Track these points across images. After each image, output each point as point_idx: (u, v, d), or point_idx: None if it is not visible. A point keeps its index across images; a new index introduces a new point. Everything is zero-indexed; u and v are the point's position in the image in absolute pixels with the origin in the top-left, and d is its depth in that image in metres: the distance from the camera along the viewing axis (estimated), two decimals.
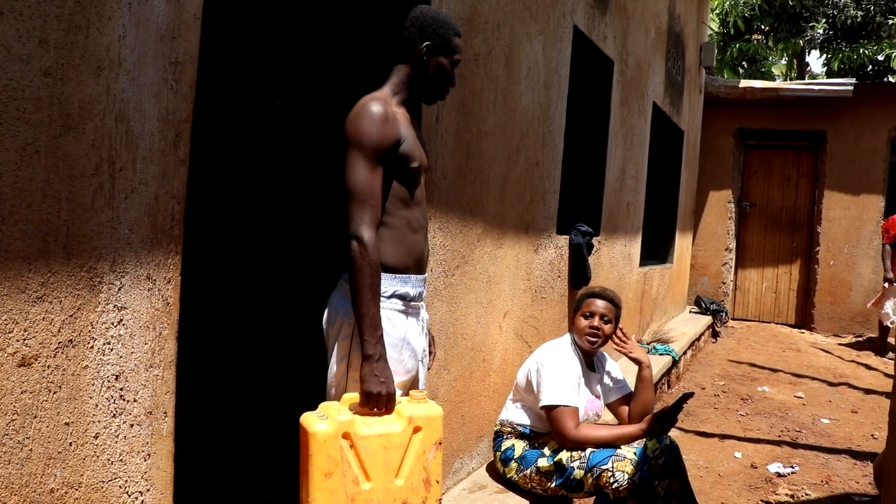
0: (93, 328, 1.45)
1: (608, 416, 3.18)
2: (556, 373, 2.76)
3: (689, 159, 8.27)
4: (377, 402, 1.74)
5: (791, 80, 14.13)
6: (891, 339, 7.53)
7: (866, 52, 11.44)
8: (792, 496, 3.65)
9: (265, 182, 2.84)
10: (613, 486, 2.55)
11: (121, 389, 1.52)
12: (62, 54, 1.35)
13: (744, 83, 8.87)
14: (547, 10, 3.58)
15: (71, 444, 1.42)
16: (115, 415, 1.52)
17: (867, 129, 8.58)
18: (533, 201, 3.63)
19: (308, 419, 1.69)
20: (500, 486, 2.91)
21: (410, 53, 1.93)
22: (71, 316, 1.40)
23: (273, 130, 2.80)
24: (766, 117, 8.93)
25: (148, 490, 1.62)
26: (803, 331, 8.83)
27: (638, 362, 2.96)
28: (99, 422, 1.48)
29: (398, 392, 1.85)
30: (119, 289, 1.50)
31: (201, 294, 2.55)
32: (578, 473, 2.63)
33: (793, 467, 4.05)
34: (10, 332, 1.29)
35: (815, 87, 8.54)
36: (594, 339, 2.87)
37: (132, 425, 1.56)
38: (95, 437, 1.48)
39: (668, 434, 2.72)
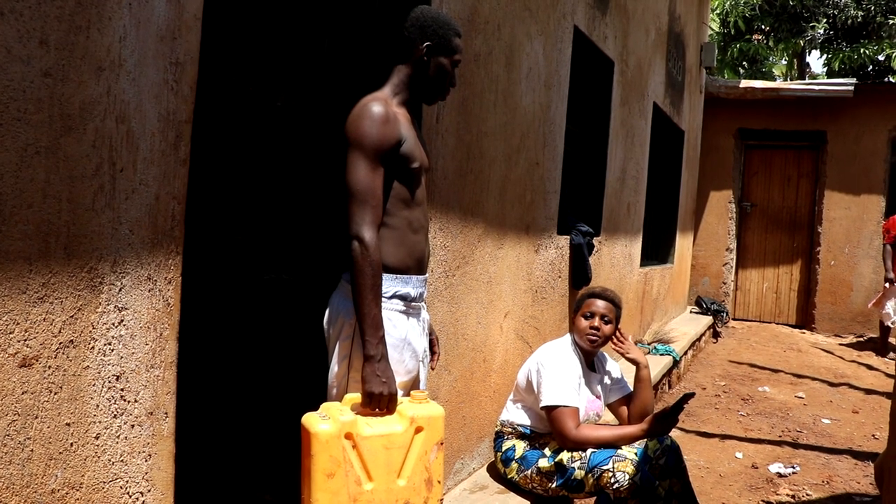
0: (94, 329, 1.45)
1: (609, 417, 3.18)
2: (556, 373, 2.76)
3: (690, 159, 8.27)
4: (379, 402, 1.74)
5: (791, 80, 14.14)
6: (892, 340, 7.53)
7: (867, 52, 11.44)
8: (793, 496, 3.65)
9: (266, 182, 2.84)
10: (614, 487, 2.55)
11: (122, 390, 1.52)
12: (63, 55, 1.35)
13: (744, 83, 8.87)
14: (547, 11, 3.58)
15: (72, 444, 1.42)
16: (115, 415, 1.52)
17: (868, 129, 8.57)
18: (533, 202, 3.62)
19: (310, 420, 1.69)
20: (500, 487, 2.91)
21: (411, 54, 1.93)
22: (72, 316, 1.40)
23: (273, 131, 2.80)
24: (767, 117, 8.93)
25: (149, 490, 1.62)
26: (804, 331, 8.83)
27: (635, 363, 2.96)
28: (100, 422, 1.48)
29: (399, 392, 1.85)
30: (120, 289, 1.50)
31: (202, 294, 2.55)
32: (579, 474, 2.63)
33: (794, 467, 4.05)
34: (11, 333, 1.29)
35: (816, 88, 8.54)
36: (594, 340, 2.87)
37: (133, 426, 1.56)
38: (96, 438, 1.48)
39: (669, 434, 2.72)
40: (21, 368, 1.31)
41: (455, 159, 2.81)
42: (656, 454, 2.62)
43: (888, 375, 6.55)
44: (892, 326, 7.37)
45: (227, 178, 2.79)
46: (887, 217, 8.11)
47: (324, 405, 1.78)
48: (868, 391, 6.00)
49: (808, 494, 3.68)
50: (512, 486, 2.87)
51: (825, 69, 12.98)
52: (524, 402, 2.89)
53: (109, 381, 1.49)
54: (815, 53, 15.24)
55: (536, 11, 3.44)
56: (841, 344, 8.16)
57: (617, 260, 5.28)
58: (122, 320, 1.51)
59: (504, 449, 2.87)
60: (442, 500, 1.85)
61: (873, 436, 4.77)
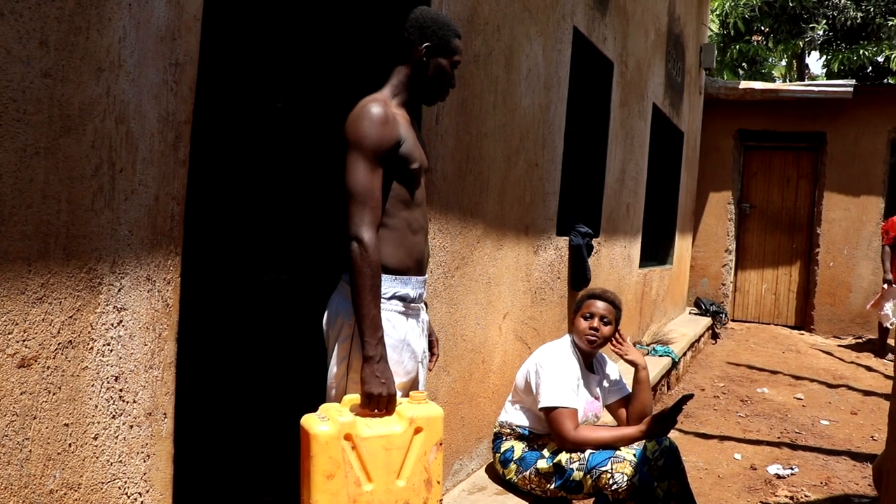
0: (92, 329, 1.45)
1: (607, 418, 3.18)
2: (555, 374, 2.76)
3: (689, 160, 8.27)
4: (378, 403, 1.74)
5: (791, 81, 14.15)
6: (890, 341, 7.53)
7: (866, 53, 11.45)
8: (791, 498, 3.65)
9: (265, 183, 2.84)
10: (613, 488, 2.55)
11: (120, 391, 1.52)
12: (62, 56, 1.35)
13: (744, 84, 8.88)
14: (547, 12, 3.58)
15: (70, 445, 1.42)
16: (114, 416, 1.52)
17: (867, 130, 8.58)
18: (533, 202, 3.63)
19: (309, 421, 1.69)
20: (499, 488, 2.91)
21: (410, 55, 1.93)
22: (71, 317, 1.40)
23: (273, 132, 2.81)
24: (766, 118, 8.94)
25: (147, 491, 1.62)
26: (803, 332, 8.83)
27: (634, 364, 2.96)
28: (98, 423, 1.48)
29: (399, 393, 1.85)
30: (119, 290, 1.50)
31: (201, 295, 2.55)
32: (578, 475, 2.63)
33: (792, 469, 4.05)
34: (9, 334, 1.29)
35: (815, 89, 8.55)
36: (593, 341, 2.87)
37: (132, 426, 1.56)
38: (95, 439, 1.48)
39: (668, 436, 2.72)
40: (20, 369, 1.31)
41: (454, 160, 2.81)
42: (655, 455, 2.62)
43: (887, 377, 6.55)
44: (890, 328, 7.37)
45: (226, 179, 2.79)
46: (886, 218, 8.12)
47: (323, 406, 1.78)
48: (867, 392, 6.00)
49: (806, 496, 3.68)
50: (510, 487, 2.87)
51: (824, 70, 13.00)
52: (523, 403, 2.89)
53: (108, 382, 1.49)
54: (815, 55, 15.26)
55: (536, 12, 3.44)
56: (840, 345, 8.17)
57: (616, 261, 5.29)
58: (121, 321, 1.51)
59: (503, 450, 2.87)
60: (441, 500, 1.85)
61: (872, 437, 4.77)
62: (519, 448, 2.83)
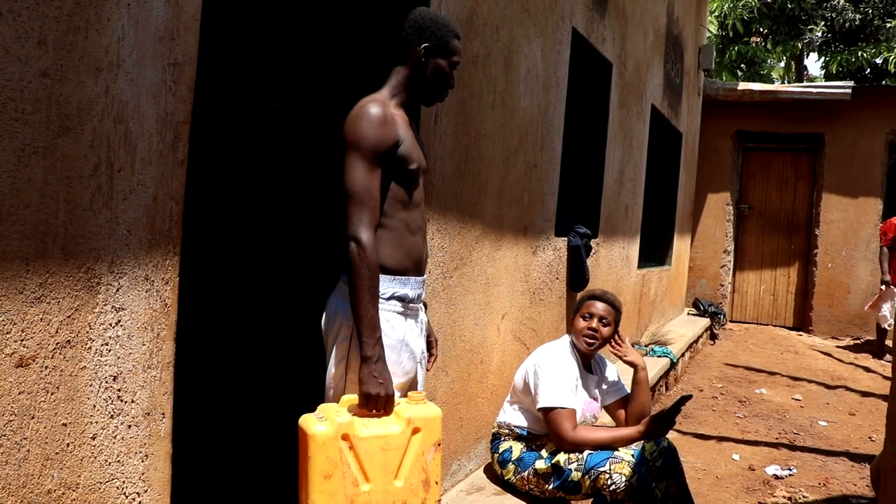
0: (91, 329, 1.45)
1: (605, 419, 3.18)
2: (553, 375, 2.76)
3: (688, 161, 8.28)
4: (376, 403, 1.74)
5: (789, 82, 14.16)
6: (888, 342, 7.54)
7: (864, 55, 11.47)
8: (789, 498, 3.65)
9: (264, 183, 2.84)
10: (611, 489, 2.55)
11: (118, 390, 1.52)
12: (61, 55, 1.35)
13: (742, 86, 8.88)
14: (546, 13, 3.58)
15: (68, 444, 1.42)
16: (112, 416, 1.51)
17: (865, 131, 8.59)
18: (531, 203, 3.63)
19: (307, 421, 1.69)
20: (497, 488, 2.91)
21: (409, 55, 1.93)
22: (69, 317, 1.40)
23: (272, 132, 2.80)
24: (765, 120, 8.95)
25: (145, 491, 1.61)
26: (801, 333, 8.84)
27: (633, 365, 2.96)
28: (97, 423, 1.48)
29: (397, 394, 1.85)
30: (117, 290, 1.50)
31: (200, 295, 2.55)
32: (576, 475, 2.63)
33: (790, 469, 4.05)
34: (7, 333, 1.29)
35: (814, 90, 8.56)
36: (592, 341, 2.88)
37: (130, 426, 1.56)
38: (93, 438, 1.48)
39: (666, 436, 2.73)
40: (18, 368, 1.31)
41: (453, 161, 2.81)
42: (653, 456, 2.62)
43: (885, 377, 6.56)
44: (888, 329, 7.38)
45: (225, 179, 2.79)
46: (884, 220, 8.12)
47: (321, 406, 1.78)
48: (865, 393, 6.01)
49: (804, 496, 3.68)
50: (509, 487, 2.87)
51: (823, 72, 13.01)
52: (521, 403, 2.89)
53: (106, 382, 1.49)
54: (813, 56, 15.30)
55: (535, 13, 3.44)
56: (838, 346, 8.17)
57: (615, 262, 5.29)
58: (119, 321, 1.51)
59: (501, 450, 2.87)
60: (439, 501, 1.85)
61: (870, 438, 4.78)
62: (517, 448, 2.83)
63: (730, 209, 9.21)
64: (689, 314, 8.51)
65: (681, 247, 8.30)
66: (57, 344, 1.38)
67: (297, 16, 2.72)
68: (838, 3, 11.44)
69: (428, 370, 2.17)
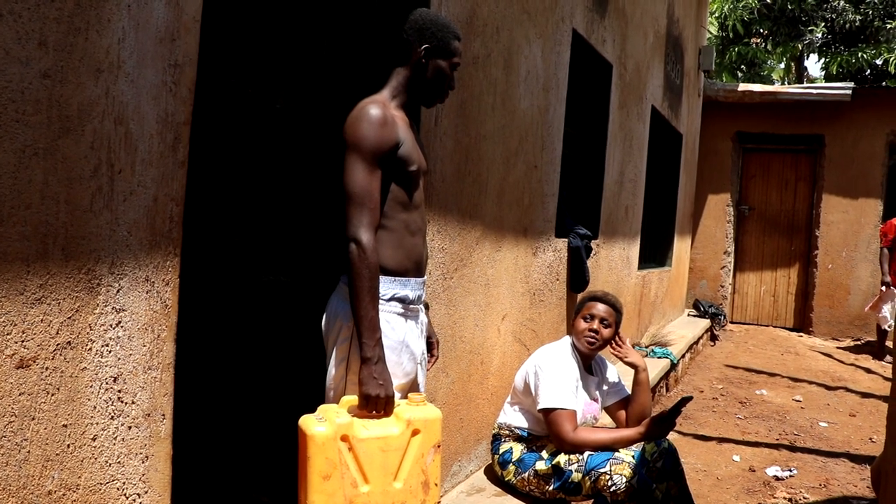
0: (91, 330, 1.45)
1: (606, 420, 3.18)
2: (554, 376, 2.76)
3: (688, 163, 8.28)
4: (376, 404, 1.74)
5: (790, 84, 14.16)
6: (888, 343, 7.54)
7: (864, 56, 11.46)
8: (790, 500, 3.65)
9: (264, 184, 2.84)
10: (611, 490, 2.55)
11: (119, 391, 1.52)
12: (61, 56, 1.35)
13: (742, 87, 8.88)
14: (546, 14, 3.58)
15: (69, 445, 1.42)
16: (113, 417, 1.52)
17: (865, 133, 8.59)
18: (531, 204, 3.63)
19: (306, 422, 1.70)
20: (498, 489, 2.91)
21: (409, 56, 1.93)
22: (69, 318, 1.40)
23: (272, 133, 2.81)
24: (765, 121, 8.95)
25: (146, 492, 1.62)
26: (801, 334, 8.83)
27: (634, 367, 2.96)
28: (97, 424, 1.48)
29: (397, 395, 1.85)
30: (117, 291, 1.50)
31: (200, 296, 2.55)
32: (576, 476, 2.63)
33: (791, 471, 4.05)
34: (8, 334, 1.29)
35: (814, 91, 8.56)
36: (593, 342, 2.88)
37: (130, 427, 1.56)
38: (93, 439, 1.48)
39: (667, 437, 2.72)
40: (18, 370, 1.31)
41: (453, 162, 2.81)
42: (654, 457, 2.62)
43: (885, 379, 6.56)
44: (888, 330, 7.38)
45: (225, 180, 2.79)
46: (884, 221, 8.12)
47: (321, 407, 1.78)
48: (865, 394, 6.00)
49: (805, 497, 3.68)
50: (509, 488, 2.87)
51: (823, 73, 13.01)
52: (522, 404, 2.89)
53: (107, 383, 1.49)
54: (814, 57, 15.27)
55: (535, 15, 3.45)
56: (838, 347, 8.17)
57: (615, 263, 5.29)
58: (119, 322, 1.51)
59: (501, 451, 2.87)
60: (439, 502, 1.85)
61: (870, 439, 4.78)
62: (518, 449, 2.83)
63: (730, 210, 9.21)
64: (689, 315, 8.51)
65: (681, 248, 8.30)
66: (57, 345, 1.38)
67: (297, 17, 2.72)
68: (838, 4, 11.44)
69: (427, 370, 2.17)
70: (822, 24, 11.73)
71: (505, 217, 3.32)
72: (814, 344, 8.25)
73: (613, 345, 2.98)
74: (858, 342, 8.40)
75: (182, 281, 1.69)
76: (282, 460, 2.33)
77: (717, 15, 12.15)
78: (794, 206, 9.10)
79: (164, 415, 1.65)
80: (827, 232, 8.77)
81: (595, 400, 2.97)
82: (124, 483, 1.56)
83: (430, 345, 2.20)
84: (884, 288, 7.31)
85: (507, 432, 2.90)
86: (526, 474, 2.77)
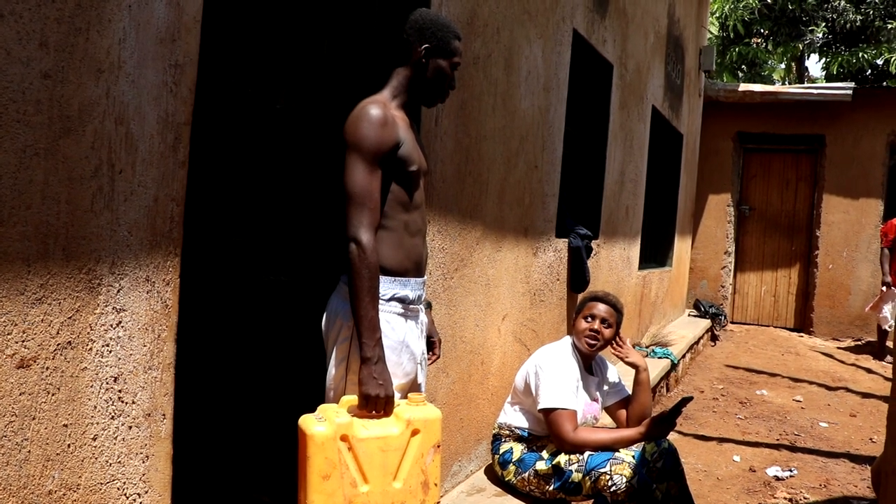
0: (91, 330, 1.45)
1: (606, 420, 3.19)
2: (554, 376, 2.76)
3: (689, 163, 8.28)
4: (375, 404, 1.74)
5: (790, 84, 14.16)
6: (889, 343, 7.53)
7: (865, 56, 11.45)
8: (790, 500, 3.65)
9: (265, 184, 2.84)
10: (612, 490, 2.55)
11: (119, 391, 1.53)
12: (62, 57, 1.35)
13: (743, 87, 8.88)
14: (546, 14, 3.58)
15: (69, 445, 1.43)
16: (113, 417, 1.52)
17: (866, 133, 8.59)
18: (532, 204, 3.63)
19: (306, 421, 1.70)
20: (498, 490, 2.91)
21: (409, 56, 1.94)
22: (70, 318, 1.41)
23: (273, 133, 2.81)
24: (766, 121, 8.94)
25: (146, 492, 1.62)
26: (802, 334, 8.83)
27: (635, 367, 2.96)
28: (97, 423, 1.48)
29: (397, 395, 1.85)
30: (118, 291, 1.51)
31: (201, 296, 2.55)
32: (577, 477, 2.63)
33: (791, 471, 4.05)
34: (8, 334, 1.29)
35: (815, 91, 8.55)
36: (593, 343, 2.88)
37: (131, 427, 1.56)
38: (94, 439, 1.48)
39: (667, 438, 2.73)
40: (19, 369, 1.32)
41: (454, 162, 2.81)
42: (654, 457, 2.62)
43: (886, 379, 6.56)
44: (889, 330, 7.38)
45: (226, 180, 2.79)
46: (885, 221, 8.12)
47: (321, 407, 1.78)
48: (865, 395, 6.00)
49: (805, 498, 3.68)
50: (509, 488, 2.87)
51: (824, 73, 13.00)
52: (522, 404, 2.89)
53: (107, 383, 1.50)
54: (814, 57, 15.27)
55: (536, 15, 3.45)
56: (839, 347, 8.17)
57: (615, 263, 5.29)
58: (120, 322, 1.52)
59: (502, 451, 2.87)
60: (439, 502, 1.85)
61: (871, 439, 4.78)
62: (518, 449, 2.83)
63: (731, 210, 9.21)
64: (689, 315, 8.51)
65: (682, 248, 8.30)
66: (58, 345, 1.39)
67: (297, 17, 2.72)
68: (839, 4, 11.44)
69: (428, 366, 2.17)
70: (823, 24, 11.72)
71: (505, 217, 3.32)
72: (814, 344, 8.24)
73: (614, 345, 2.98)
74: (859, 342, 8.40)
75: (182, 281, 1.69)
76: (282, 460, 2.33)
77: (717, 15, 12.15)
78: (795, 206, 9.09)
79: (164, 415, 1.65)
80: (827, 232, 8.76)
81: (595, 400, 2.97)
82: (125, 483, 1.56)
83: (432, 343, 2.20)
84: (884, 288, 7.31)
85: (507, 432, 2.90)
86: (526, 474, 2.77)
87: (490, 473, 3.06)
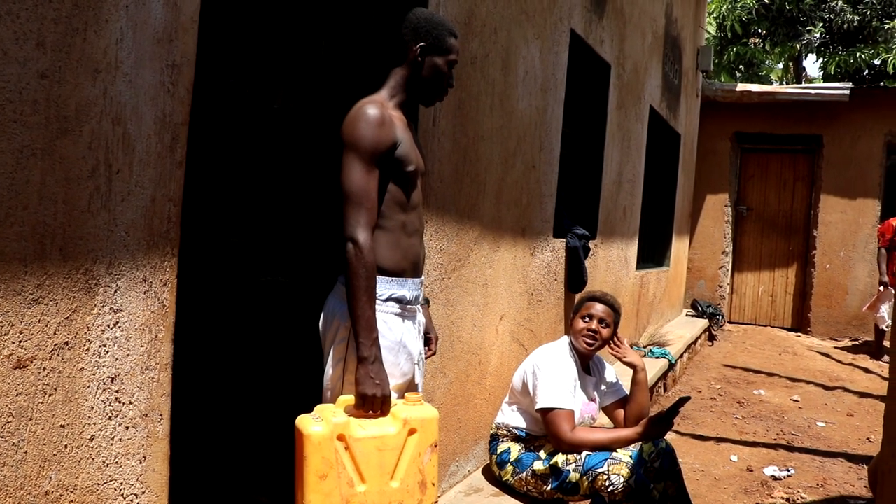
0: (89, 330, 1.45)
1: (604, 420, 3.19)
2: (552, 375, 2.76)
3: (686, 163, 8.29)
4: (372, 404, 1.74)
5: (788, 84, 14.18)
6: (886, 343, 7.54)
7: (863, 56, 11.47)
8: (788, 499, 3.66)
9: (262, 185, 2.84)
10: (609, 490, 2.55)
11: (116, 392, 1.53)
12: (59, 57, 1.35)
13: (741, 87, 8.89)
14: (544, 14, 3.59)
15: (66, 446, 1.42)
16: (110, 417, 1.52)
17: (863, 133, 8.60)
18: (529, 204, 3.63)
19: (303, 421, 1.70)
20: (495, 490, 2.92)
21: (405, 56, 1.94)
22: (67, 318, 1.41)
23: (270, 133, 2.81)
24: (763, 121, 8.96)
25: (143, 493, 1.62)
26: (799, 334, 8.85)
27: (632, 366, 2.97)
28: (94, 424, 1.48)
29: (394, 395, 1.86)
30: (115, 291, 1.51)
31: (198, 296, 2.55)
32: (574, 476, 2.63)
33: (788, 471, 4.06)
34: (5, 335, 1.29)
35: (812, 92, 8.56)
36: (591, 342, 2.88)
37: (128, 428, 1.56)
38: (91, 440, 1.48)
39: (664, 437, 2.73)
40: (15, 370, 1.31)
41: (451, 162, 2.81)
42: (651, 457, 2.63)
43: (883, 378, 6.57)
44: (886, 330, 7.39)
45: (223, 181, 2.79)
46: (882, 221, 8.13)
47: (318, 407, 1.78)
48: (863, 394, 6.01)
49: (802, 497, 3.69)
50: (507, 488, 2.87)
51: (821, 73, 13.02)
52: (519, 404, 2.90)
53: (104, 383, 1.50)
54: (812, 57, 15.30)
55: (533, 15, 3.45)
56: (836, 347, 8.18)
57: (613, 263, 5.29)
58: (117, 322, 1.51)
59: (499, 451, 2.88)
60: (436, 502, 1.85)
61: (868, 439, 4.78)
62: (515, 449, 2.83)
63: (728, 210, 9.22)
64: (687, 315, 8.52)
65: (679, 248, 8.30)
66: (55, 345, 1.39)
67: (295, 17, 2.72)
68: (836, 4, 11.45)
69: (426, 359, 2.17)
70: (821, 24, 11.74)
71: (503, 217, 3.32)
72: (812, 344, 8.26)
73: (612, 345, 2.99)
74: (856, 342, 8.41)
75: (180, 281, 1.69)
76: (280, 460, 2.33)
77: (715, 15, 12.16)
78: (792, 206, 9.11)
79: (161, 415, 1.65)
80: (825, 232, 8.78)
81: (593, 400, 2.97)
82: (122, 483, 1.56)
83: (428, 340, 2.20)
84: (881, 288, 7.32)
85: (504, 432, 2.90)
86: (524, 474, 2.77)
87: (488, 473, 3.06)
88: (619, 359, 2.98)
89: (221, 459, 2.78)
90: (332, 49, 2.73)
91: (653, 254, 7.23)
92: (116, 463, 1.54)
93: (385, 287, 1.87)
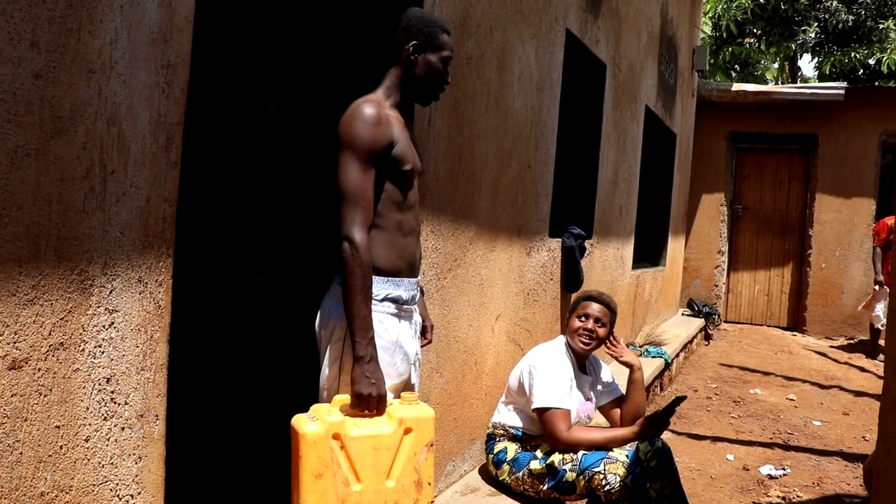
0: (84, 331, 1.45)
1: (600, 420, 3.19)
2: (548, 375, 2.76)
3: (682, 162, 8.30)
4: (368, 403, 1.74)
5: (783, 83, 14.21)
6: (881, 342, 7.56)
7: (858, 56, 11.51)
8: (783, 498, 3.67)
9: (258, 185, 2.84)
10: (605, 489, 2.56)
11: (112, 392, 1.52)
12: (53, 57, 1.35)
13: (736, 87, 8.91)
14: (539, 14, 3.59)
15: (61, 447, 1.42)
16: (106, 418, 1.51)
17: (858, 132, 8.62)
18: (525, 204, 3.63)
19: (299, 421, 1.70)
20: (492, 489, 2.92)
21: (399, 55, 1.94)
22: (62, 319, 1.40)
23: (266, 133, 2.81)
24: (759, 121, 8.97)
25: (139, 493, 1.61)
26: (795, 333, 8.86)
27: (629, 365, 2.97)
28: (90, 425, 1.48)
29: (390, 395, 1.86)
30: (110, 292, 1.50)
31: (194, 296, 2.55)
32: (570, 476, 2.64)
33: (784, 469, 4.07)
34: (0, 336, 1.29)
35: (807, 91, 8.58)
36: (588, 342, 2.88)
37: (123, 428, 1.56)
38: (86, 441, 1.47)
39: (661, 437, 2.73)
40: (10, 371, 1.31)
41: (447, 162, 2.81)
42: (647, 456, 2.63)
43: (878, 377, 6.58)
44: (881, 329, 7.41)
45: (219, 181, 2.79)
46: (877, 220, 8.16)
47: (313, 406, 1.78)
48: (858, 393, 6.03)
49: (798, 496, 3.70)
50: (503, 488, 2.87)
51: (816, 73, 13.05)
52: (516, 403, 2.90)
53: (100, 384, 1.49)
54: (807, 57, 15.34)
55: (529, 15, 3.45)
56: (832, 346, 8.20)
57: (609, 262, 5.30)
58: (112, 322, 1.51)
59: (496, 451, 2.88)
60: (433, 502, 1.86)
61: (863, 437, 4.80)
62: (512, 449, 2.84)
63: (724, 210, 9.24)
64: (683, 315, 8.53)
65: (675, 247, 8.32)
66: (50, 346, 1.38)
67: (290, 18, 2.72)
68: (831, 4, 11.49)
69: (422, 346, 2.17)
70: (816, 24, 11.77)
71: (499, 217, 3.32)
72: (807, 343, 8.28)
73: (608, 344, 2.99)
74: (852, 341, 8.43)
75: (175, 281, 1.69)
76: (276, 460, 2.33)
77: (710, 15, 12.19)
78: (788, 205, 9.12)
79: (157, 416, 1.65)
80: (820, 231, 8.80)
81: (589, 399, 2.98)
82: (117, 484, 1.56)
83: (424, 328, 2.20)
84: (877, 287, 7.34)
85: (501, 432, 2.90)
86: (520, 474, 2.77)
87: (484, 473, 3.07)
88: (616, 358, 2.99)
89: (217, 459, 2.78)
90: (327, 49, 2.73)
91: (649, 253, 7.24)
92: (112, 464, 1.54)
93: (381, 287, 1.87)
